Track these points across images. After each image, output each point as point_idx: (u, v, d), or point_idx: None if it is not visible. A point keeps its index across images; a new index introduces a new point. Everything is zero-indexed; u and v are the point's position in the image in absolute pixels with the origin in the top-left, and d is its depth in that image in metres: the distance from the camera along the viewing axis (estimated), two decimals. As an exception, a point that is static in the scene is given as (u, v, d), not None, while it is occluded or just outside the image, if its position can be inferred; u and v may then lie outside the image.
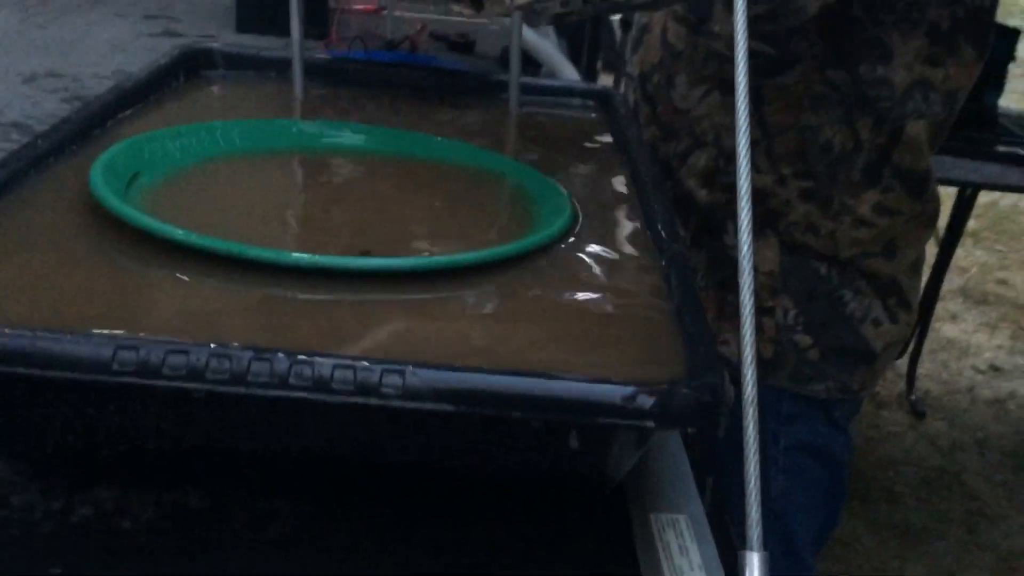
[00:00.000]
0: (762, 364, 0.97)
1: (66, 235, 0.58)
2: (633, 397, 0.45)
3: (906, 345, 1.07)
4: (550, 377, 0.46)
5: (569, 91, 0.97)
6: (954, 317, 3.21)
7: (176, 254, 0.56)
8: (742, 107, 0.52)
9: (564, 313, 0.56)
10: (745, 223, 0.51)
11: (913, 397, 2.65)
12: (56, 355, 0.43)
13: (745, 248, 0.50)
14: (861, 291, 0.97)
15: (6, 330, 0.44)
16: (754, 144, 0.93)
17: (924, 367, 2.76)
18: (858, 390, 1.02)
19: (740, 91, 0.53)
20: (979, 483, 2.36)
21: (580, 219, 0.67)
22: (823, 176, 0.92)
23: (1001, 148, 2.17)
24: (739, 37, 0.54)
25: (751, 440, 0.47)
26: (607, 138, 0.88)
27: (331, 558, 0.52)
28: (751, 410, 0.47)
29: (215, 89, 0.90)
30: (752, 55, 0.90)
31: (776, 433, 1.02)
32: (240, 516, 0.54)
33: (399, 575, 0.52)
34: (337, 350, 0.47)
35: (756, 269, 0.95)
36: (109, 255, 0.57)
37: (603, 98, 0.96)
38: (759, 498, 0.47)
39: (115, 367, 0.43)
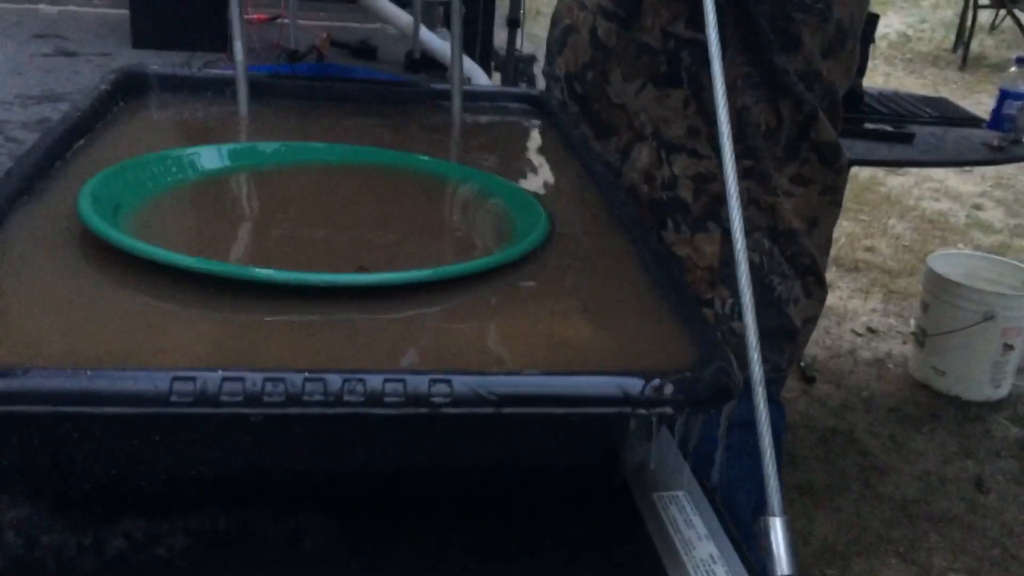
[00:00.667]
0: None
1: (59, 269, 0.58)
2: (660, 387, 0.49)
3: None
4: (585, 374, 0.49)
5: (503, 96, 1.01)
6: (830, 285, 3.40)
7: (177, 281, 0.57)
8: (723, 119, 0.57)
9: (564, 314, 0.60)
10: (736, 221, 0.55)
11: (803, 364, 2.80)
12: (109, 392, 0.44)
13: (739, 243, 0.55)
14: (786, 274, 1.04)
15: (52, 370, 0.44)
16: (696, 132, 0.98)
17: (809, 335, 2.92)
18: (786, 367, 1.10)
19: (720, 102, 0.57)
20: (869, 439, 2.52)
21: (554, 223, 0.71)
22: (758, 153, 0.99)
23: (868, 126, 2.32)
24: (713, 49, 0.59)
25: (763, 418, 0.52)
26: (550, 140, 0.91)
27: (364, 569, 0.55)
28: (760, 388, 0.52)
29: (157, 113, 0.90)
30: (689, 43, 0.96)
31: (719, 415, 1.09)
32: (271, 535, 0.55)
33: None
34: (362, 365, 0.49)
35: (695, 265, 1.01)
36: (111, 287, 0.57)
37: (536, 102, 1.00)
38: (776, 469, 0.51)
39: (174, 399, 0.45)
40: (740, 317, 1.07)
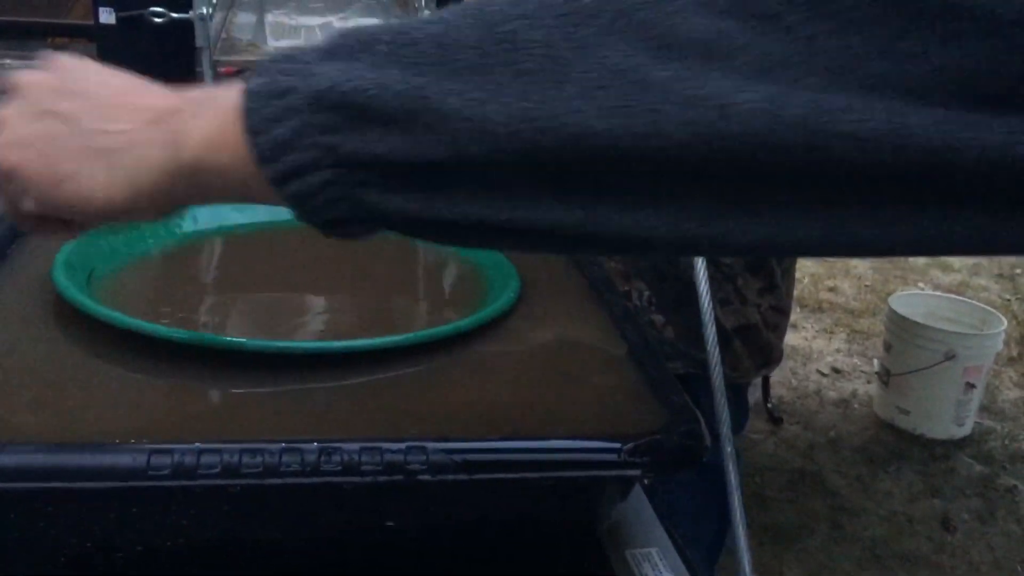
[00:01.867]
0: None
1: (33, 339, 0.58)
2: (630, 451, 0.50)
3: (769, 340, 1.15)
4: (557, 439, 0.50)
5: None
6: (794, 326, 3.44)
7: (151, 350, 0.57)
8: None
9: (533, 377, 0.61)
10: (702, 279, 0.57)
11: (770, 404, 2.83)
12: (89, 467, 0.45)
13: (703, 288, 0.56)
14: (711, 275, 1.05)
15: (32, 446, 0.45)
16: None
17: (775, 375, 2.95)
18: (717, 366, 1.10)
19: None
20: (837, 480, 2.54)
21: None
22: None
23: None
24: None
25: (732, 477, 0.53)
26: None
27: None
28: (729, 448, 0.54)
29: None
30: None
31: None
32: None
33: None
34: (337, 434, 0.50)
35: (610, 258, 1.02)
36: (85, 357, 0.57)
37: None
38: (746, 529, 0.53)
39: (151, 472, 0.45)
40: (658, 309, 1.08)
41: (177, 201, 0.40)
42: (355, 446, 0.47)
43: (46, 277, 0.62)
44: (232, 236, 0.78)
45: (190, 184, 0.38)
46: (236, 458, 0.46)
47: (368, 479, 0.47)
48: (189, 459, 0.46)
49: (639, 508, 0.68)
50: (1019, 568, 2.02)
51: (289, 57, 0.35)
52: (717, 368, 0.55)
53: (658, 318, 1.05)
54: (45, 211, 0.40)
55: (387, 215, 0.36)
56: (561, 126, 0.31)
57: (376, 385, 0.57)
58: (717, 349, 0.56)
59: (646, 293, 1.05)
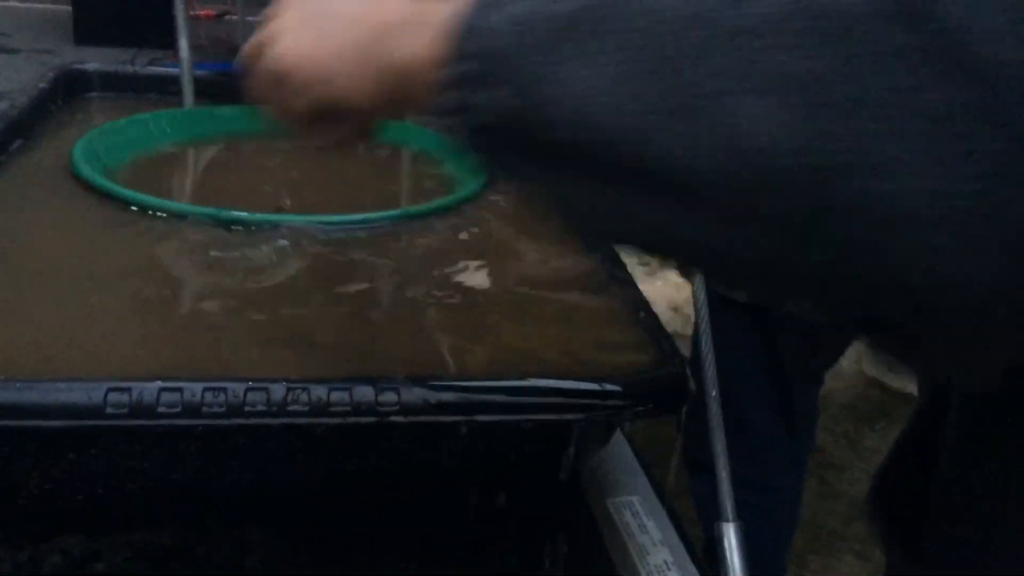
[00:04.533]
0: None
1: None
2: (611, 391, 0.48)
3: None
4: (536, 379, 0.48)
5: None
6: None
7: (109, 288, 0.55)
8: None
9: (514, 319, 0.59)
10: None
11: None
12: (42, 405, 0.42)
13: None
14: None
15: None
16: None
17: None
18: None
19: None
20: (824, 436, 2.54)
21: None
22: None
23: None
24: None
25: (716, 418, 0.51)
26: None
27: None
28: (714, 392, 0.52)
29: (97, 112, 0.87)
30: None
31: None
32: (216, 550, 0.54)
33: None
34: (307, 374, 0.48)
35: None
36: (46, 292, 0.55)
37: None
38: (728, 472, 0.51)
39: (109, 410, 0.43)
40: None
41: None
42: (324, 387, 0.45)
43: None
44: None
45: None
46: (198, 397, 0.44)
47: (337, 420, 0.45)
48: (148, 397, 0.43)
49: (621, 456, 0.67)
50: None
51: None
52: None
53: None
54: (317, 110, 0.45)
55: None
56: None
57: (351, 325, 0.55)
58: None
59: None
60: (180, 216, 0.65)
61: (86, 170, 0.68)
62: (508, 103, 0.34)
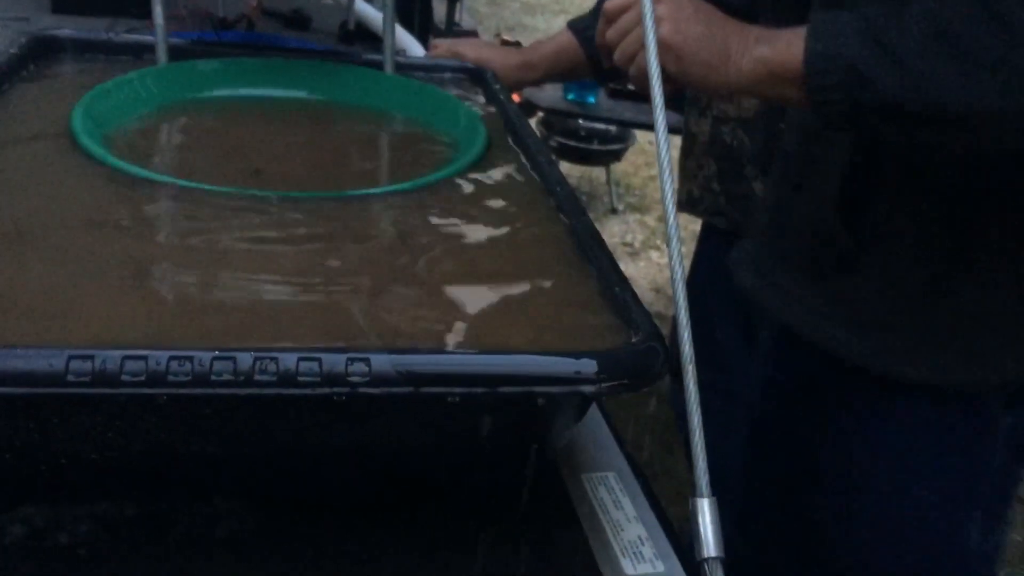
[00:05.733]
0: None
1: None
2: (585, 365, 0.48)
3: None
4: (508, 353, 0.47)
5: (439, 68, 0.98)
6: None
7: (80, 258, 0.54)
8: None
9: (491, 293, 0.58)
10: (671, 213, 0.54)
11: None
12: (3, 372, 0.41)
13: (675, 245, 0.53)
14: None
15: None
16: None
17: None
18: None
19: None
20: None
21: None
22: None
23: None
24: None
25: (693, 394, 0.51)
26: (486, 112, 0.89)
27: (283, 553, 0.52)
28: (690, 367, 0.51)
29: (69, 79, 0.85)
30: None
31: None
32: (184, 521, 0.53)
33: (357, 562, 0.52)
34: (275, 343, 0.47)
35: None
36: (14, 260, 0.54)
37: (473, 74, 0.98)
38: (704, 448, 0.50)
39: (70, 378, 0.42)
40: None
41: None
42: (292, 356, 0.44)
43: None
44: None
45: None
46: (163, 365, 0.43)
47: (306, 391, 0.44)
48: (111, 365, 0.42)
49: (596, 431, 0.66)
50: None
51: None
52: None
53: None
54: (676, 79, 0.72)
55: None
56: None
57: (321, 296, 0.54)
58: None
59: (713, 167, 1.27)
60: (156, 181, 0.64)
61: (85, 139, 0.68)
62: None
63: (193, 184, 0.64)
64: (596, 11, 1.15)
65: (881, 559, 0.83)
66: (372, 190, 0.68)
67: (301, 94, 0.88)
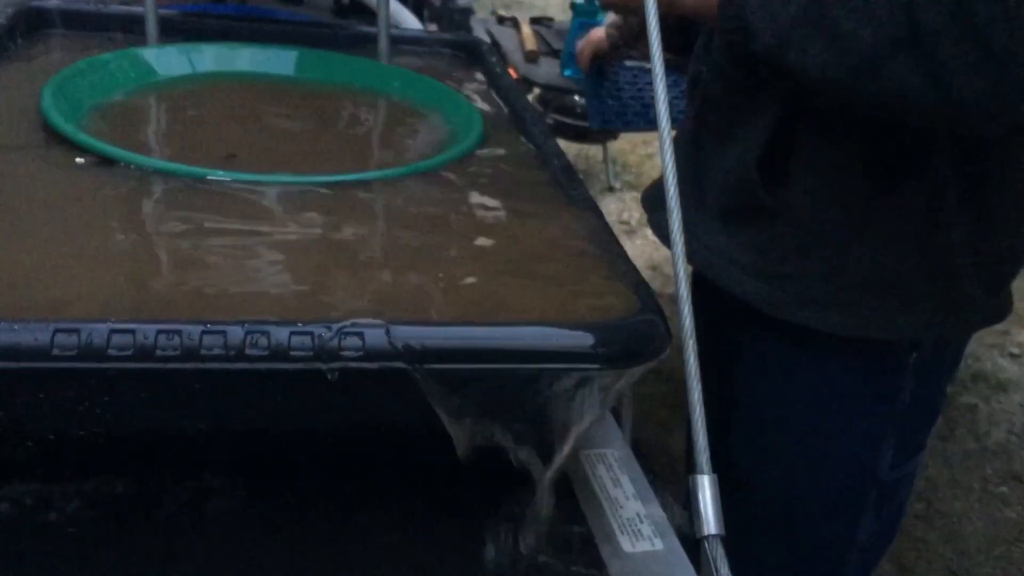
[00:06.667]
0: None
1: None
2: (585, 340, 0.47)
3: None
4: (507, 325, 0.46)
5: (434, 42, 0.97)
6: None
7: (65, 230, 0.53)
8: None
9: (488, 266, 0.56)
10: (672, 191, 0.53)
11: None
12: None
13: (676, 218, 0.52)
14: None
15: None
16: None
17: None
18: None
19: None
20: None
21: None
22: None
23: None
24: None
25: (693, 370, 0.50)
26: (481, 86, 0.88)
27: (273, 529, 0.52)
28: (690, 342, 0.50)
29: (58, 51, 0.84)
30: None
31: None
32: (173, 497, 0.52)
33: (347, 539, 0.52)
34: (267, 316, 0.46)
35: None
36: None
37: (468, 48, 0.96)
38: (704, 424, 0.50)
39: (56, 352, 0.41)
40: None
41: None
42: (284, 330, 0.43)
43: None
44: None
45: None
46: (151, 339, 0.42)
47: (299, 365, 0.43)
48: (98, 339, 0.41)
49: (594, 409, 0.65)
50: (975, 485, 2.05)
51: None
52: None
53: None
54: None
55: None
56: None
57: (314, 269, 0.53)
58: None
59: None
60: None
61: (57, 119, 0.66)
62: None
63: (171, 165, 0.62)
64: None
65: (796, 495, 0.87)
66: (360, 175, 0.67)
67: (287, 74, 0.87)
